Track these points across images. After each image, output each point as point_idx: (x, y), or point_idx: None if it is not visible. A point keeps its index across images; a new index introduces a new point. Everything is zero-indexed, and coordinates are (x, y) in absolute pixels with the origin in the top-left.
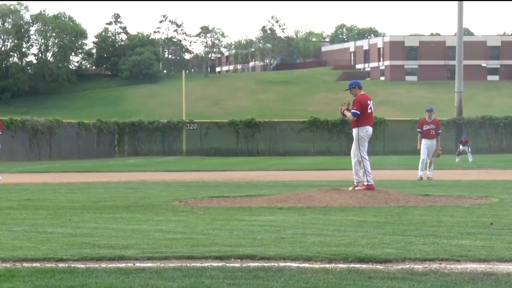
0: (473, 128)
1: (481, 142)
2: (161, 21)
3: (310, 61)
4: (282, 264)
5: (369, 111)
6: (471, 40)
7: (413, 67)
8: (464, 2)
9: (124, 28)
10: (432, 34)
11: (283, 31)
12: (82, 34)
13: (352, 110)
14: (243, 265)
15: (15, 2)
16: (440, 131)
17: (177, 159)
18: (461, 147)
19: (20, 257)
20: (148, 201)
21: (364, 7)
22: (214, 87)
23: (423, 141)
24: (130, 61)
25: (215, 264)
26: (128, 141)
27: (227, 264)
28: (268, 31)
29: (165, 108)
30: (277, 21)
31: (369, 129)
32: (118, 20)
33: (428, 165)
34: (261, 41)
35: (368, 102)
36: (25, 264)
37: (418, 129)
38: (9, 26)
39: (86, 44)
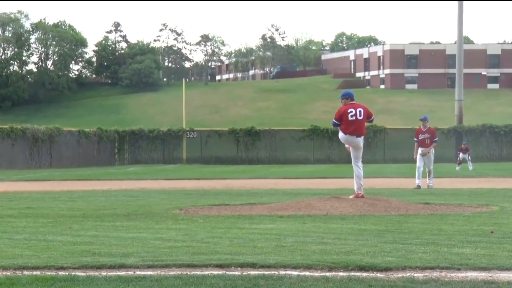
0: (474, 137)
1: (481, 150)
2: (161, 30)
3: (310, 69)
4: (282, 272)
5: (350, 118)
6: (471, 48)
7: (413, 75)
8: (464, 7)
9: (124, 37)
10: (432, 43)
11: (283, 40)
12: (82, 43)
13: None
14: (244, 273)
15: (16, 10)
16: (436, 138)
17: (177, 167)
18: (461, 155)
19: (20, 265)
20: (148, 209)
21: (364, 15)
22: (214, 95)
23: (419, 150)
24: (130, 69)
25: (215, 272)
26: (129, 149)
27: (228, 272)
28: (268, 40)
29: (165, 116)
30: (277, 30)
31: (352, 138)
32: (118, 28)
33: (427, 174)
34: (261, 49)
35: (351, 110)
36: (25, 272)
37: (415, 139)
38: (9, 35)
39: (86, 53)
